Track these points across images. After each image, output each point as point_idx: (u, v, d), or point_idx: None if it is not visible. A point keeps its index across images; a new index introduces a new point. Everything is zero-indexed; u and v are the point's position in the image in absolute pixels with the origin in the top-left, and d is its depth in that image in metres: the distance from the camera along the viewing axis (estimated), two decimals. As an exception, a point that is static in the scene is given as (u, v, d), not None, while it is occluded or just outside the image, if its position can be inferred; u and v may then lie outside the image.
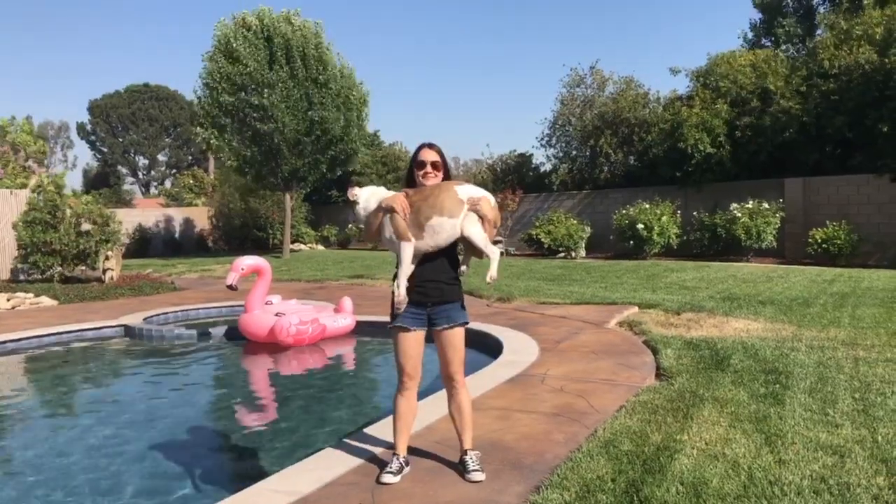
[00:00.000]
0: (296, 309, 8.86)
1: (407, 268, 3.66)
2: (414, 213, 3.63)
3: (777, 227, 17.72)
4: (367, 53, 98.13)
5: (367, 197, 3.82)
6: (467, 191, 3.72)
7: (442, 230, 3.62)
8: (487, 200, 3.75)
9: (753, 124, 19.17)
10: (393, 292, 3.70)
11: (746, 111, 19.44)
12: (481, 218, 3.69)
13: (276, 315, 8.45)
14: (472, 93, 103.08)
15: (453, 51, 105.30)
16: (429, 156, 3.80)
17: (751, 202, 17.97)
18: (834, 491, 3.36)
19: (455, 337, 3.76)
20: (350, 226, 27.82)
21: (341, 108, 21.65)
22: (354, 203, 3.83)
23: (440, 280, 3.75)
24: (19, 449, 5.17)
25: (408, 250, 3.63)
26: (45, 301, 12.20)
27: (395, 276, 3.74)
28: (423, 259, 3.72)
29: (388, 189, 3.90)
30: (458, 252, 3.87)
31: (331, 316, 8.96)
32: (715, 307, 9.24)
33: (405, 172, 4.03)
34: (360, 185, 4.51)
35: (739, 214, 17.76)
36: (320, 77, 21.20)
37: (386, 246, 3.78)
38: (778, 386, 5.30)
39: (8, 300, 11.88)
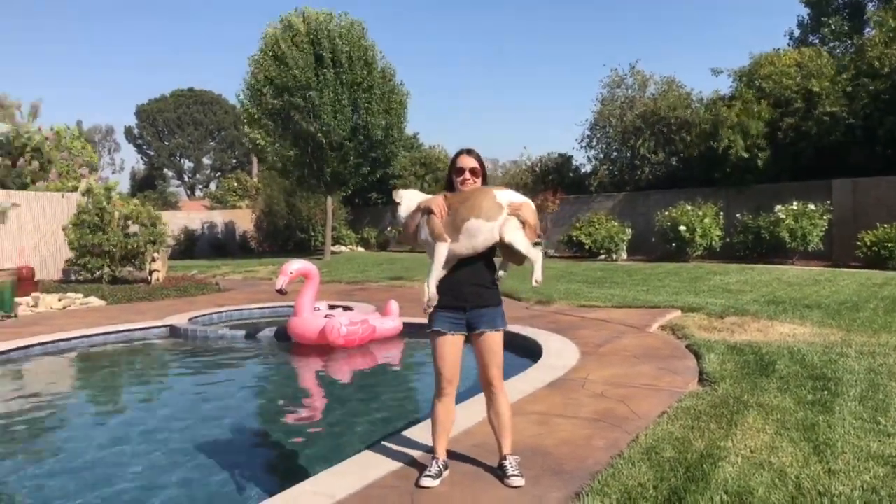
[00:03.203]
0: (343, 313, 8.95)
1: (439, 269, 3.64)
2: (451, 215, 3.62)
3: (824, 229, 17.29)
4: (406, 55, 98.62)
5: (409, 199, 3.83)
6: (507, 196, 3.69)
7: (479, 233, 3.61)
8: (529, 206, 3.72)
9: (797, 126, 18.77)
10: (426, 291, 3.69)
11: (790, 112, 19.04)
12: (522, 223, 3.67)
13: (326, 317, 8.54)
14: (511, 94, 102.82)
15: (492, 52, 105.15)
16: (467, 162, 3.79)
17: (795, 204, 17.58)
18: (886, 503, 3.26)
19: (493, 341, 3.74)
20: (389, 228, 27.96)
21: (383, 112, 21.79)
22: (397, 204, 3.84)
23: (478, 284, 3.74)
24: (68, 444, 5.31)
25: (442, 250, 3.61)
26: (94, 301, 12.51)
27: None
28: (459, 263, 3.71)
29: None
30: (494, 257, 3.85)
31: (379, 318, 9.03)
32: (759, 311, 9.05)
33: (444, 179, 4.01)
34: (404, 187, 4.53)
35: (784, 216, 17.38)
36: (365, 81, 21.35)
37: (422, 248, 3.79)
38: (826, 393, 5.17)
39: (59, 300, 12.21)
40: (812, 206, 17.40)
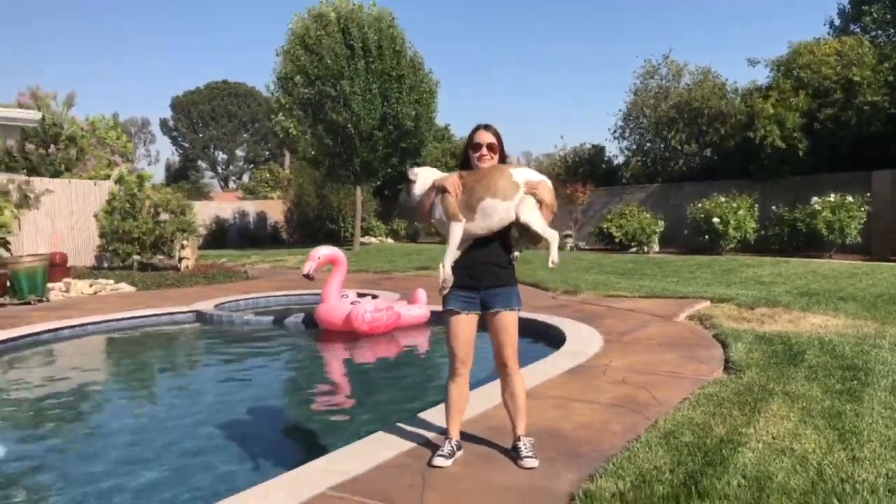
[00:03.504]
0: (370, 301, 8.96)
1: (453, 249, 3.58)
2: (466, 194, 3.55)
3: (862, 221, 16.88)
4: (439, 45, 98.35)
5: (425, 176, 3.77)
6: (524, 174, 3.62)
7: (494, 213, 3.54)
8: (546, 184, 3.65)
9: (836, 116, 18.32)
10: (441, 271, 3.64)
11: (829, 102, 18.58)
12: (539, 203, 3.59)
13: (353, 304, 8.55)
14: (545, 86, 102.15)
15: (527, 43, 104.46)
16: (484, 137, 3.71)
17: (833, 196, 17.18)
18: (911, 491, 3.14)
19: (508, 320, 3.67)
20: (404, 204, 27.87)
21: (413, 102, 21.77)
22: (411, 182, 3.78)
23: (492, 263, 3.67)
24: (94, 423, 5.40)
25: (456, 231, 3.55)
26: (125, 287, 12.69)
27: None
28: (474, 243, 3.65)
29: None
30: (511, 236, 3.78)
31: (405, 306, 9.01)
32: (791, 302, 8.84)
33: (460, 155, 3.95)
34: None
35: (820, 208, 17.01)
36: (394, 71, 21.35)
37: (437, 228, 3.73)
38: (856, 382, 5.01)
39: (90, 286, 12.42)
40: (850, 199, 17.00)
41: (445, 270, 3.61)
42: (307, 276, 8.45)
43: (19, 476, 4.26)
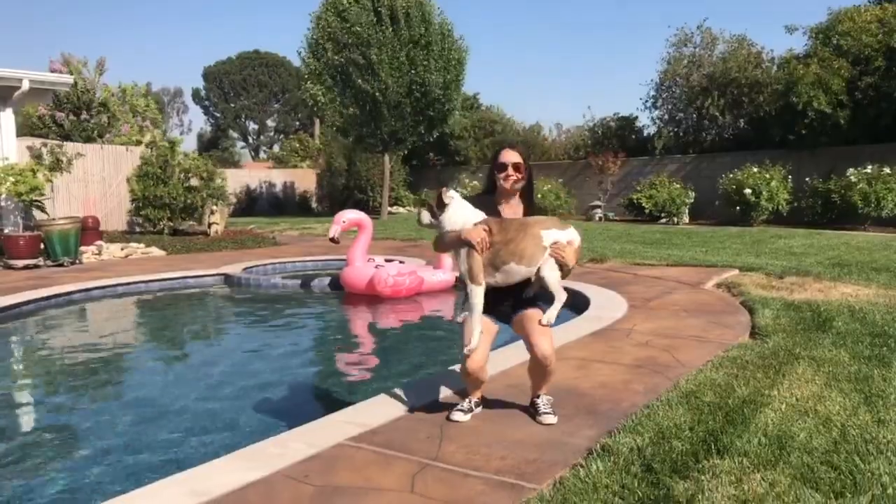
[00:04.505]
0: (393, 265, 8.99)
1: (479, 314, 3.48)
2: (491, 254, 3.45)
3: (901, 193, 16.46)
4: (467, 14, 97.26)
5: (455, 209, 3.55)
6: (552, 236, 3.48)
7: (517, 274, 3.49)
8: (573, 247, 3.53)
9: (877, 85, 17.80)
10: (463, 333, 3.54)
11: (869, 71, 18.04)
12: (561, 266, 3.50)
13: (377, 268, 8.59)
14: (574, 55, 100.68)
15: (555, 12, 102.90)
16: (510, 156, 3.64)
17: (870, 167, 16.75)
18: (937, 452, 3.08)
19: (534, 312, 3.60)
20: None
21: (441, 70, 21.60)
22: (444, 204, 3.56)
23: (514, 298, 3.65)
24: (125, 383, 5.50)
25: (478, 295, 3.46)
26: (155, 251, 12.89)
27: (462, 304, 3.62)
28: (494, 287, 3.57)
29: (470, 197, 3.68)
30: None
31: (429, 270, 9.03)
32: (822, 272, 8.68)
33: (486, 174, 3.86)
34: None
35: (856, 180, 16.61)
36: (422, 38, 21.18)
37: (456, 270, 3.65)
38: (885, 349, 4.91)
39: (122, 249, 12.64)
40: (888, 170, 16.57)
41: (473, 340, 3.48)
42: (332, 240, 8.51)
43: (50, 431, 4.36)
